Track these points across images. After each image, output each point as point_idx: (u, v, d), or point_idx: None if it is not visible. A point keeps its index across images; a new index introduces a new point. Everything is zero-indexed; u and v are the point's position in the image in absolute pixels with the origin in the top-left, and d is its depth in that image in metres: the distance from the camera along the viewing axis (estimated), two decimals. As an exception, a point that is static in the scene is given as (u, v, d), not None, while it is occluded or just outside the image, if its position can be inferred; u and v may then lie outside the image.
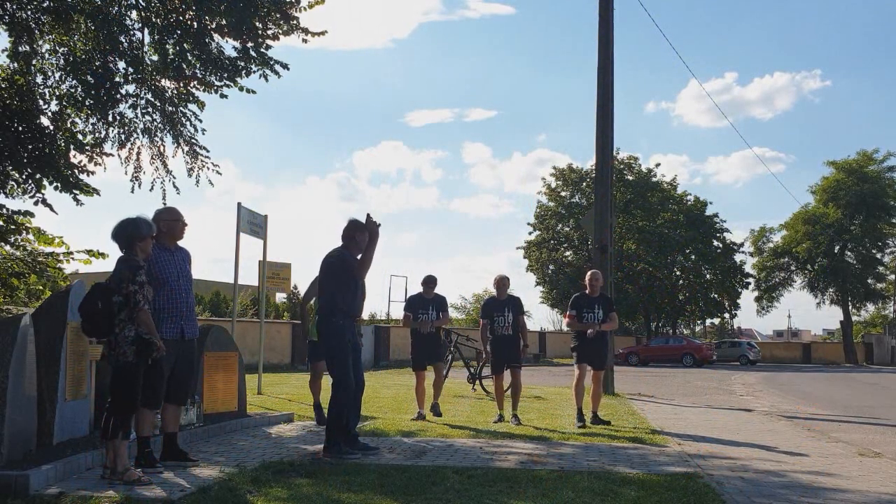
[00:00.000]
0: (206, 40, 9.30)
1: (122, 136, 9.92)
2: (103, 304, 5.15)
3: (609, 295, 9.55)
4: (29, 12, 8.95)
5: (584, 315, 9.03)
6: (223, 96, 9.75)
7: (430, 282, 9.47)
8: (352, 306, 6.48)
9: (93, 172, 9.67)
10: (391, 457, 6.29)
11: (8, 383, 5.24)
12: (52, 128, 9.24)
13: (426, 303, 9.38)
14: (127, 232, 5.27)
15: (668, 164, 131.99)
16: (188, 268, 6.02)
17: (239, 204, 12.18)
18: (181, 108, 9.99)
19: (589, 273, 9.31)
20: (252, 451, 6.51)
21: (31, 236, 9.65)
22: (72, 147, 9.38)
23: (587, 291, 9.16)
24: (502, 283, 9.20)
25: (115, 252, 5.65)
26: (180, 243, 6.07)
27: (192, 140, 10.16)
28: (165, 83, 9.76)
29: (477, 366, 14.65)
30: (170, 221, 5.90)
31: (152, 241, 5.45)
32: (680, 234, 48.59)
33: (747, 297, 55.90)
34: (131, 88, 9.64)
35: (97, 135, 9.72)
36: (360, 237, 6.50)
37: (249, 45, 9.36)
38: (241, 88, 9.75)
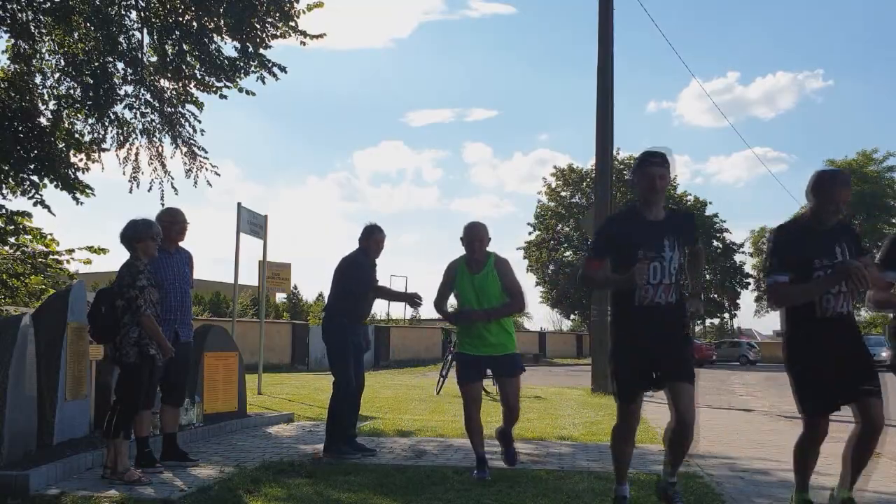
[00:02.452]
0: (206, 41, 9.31)
1: (121, 137, 9.94)
2: (107, 308, 5.26)
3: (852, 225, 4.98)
4: (30, 13, 8.96)
5: (815, 269, 4.07)
6: (223, 97, 9.78)
7: (654, 162, 4.15)
8: (363, 310, 6.51)
9: (87, 169, 9.69)
10: (391, 457, 6.30)
11: (8, 383, 5.24)
12: (50, 128, 9.25)
13: (656, 231, 4.14)
14: (127, 234, 5.33)
15: (670, 164, 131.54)
16: (187, 270, 6.01)
17: (239, 204, 12.19)
18: (180, 109, 10.00)
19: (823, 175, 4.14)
20: (252, 451, 6.52)
21: (28, 236, 9.66)
22: (71, 147, 9.40)
23: (807, 219, 4.22)
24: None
25: (117, 249, 5.70)
26: (182, 244, 6.08)
27: (191, 141, 10.17)
28: (164, 83, 9.77)
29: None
30: (165, 223, 5.89)
31: (154, 243, 5.44)
32: (680, 234, 48.55)
33: (747, 298, 55.98)
34: (130, 89, 9.66)
35: (95, 135, 9.74)
36: (380, 241, 6.51)
37: (248, 45, 9.37)
38: (240, 90, 9.76)
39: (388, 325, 33.36)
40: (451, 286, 5.54)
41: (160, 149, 10.24)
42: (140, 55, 9.45)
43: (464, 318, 5.40)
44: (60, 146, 9.19)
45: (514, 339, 5.49)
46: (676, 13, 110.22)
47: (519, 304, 5.51)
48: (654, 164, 4.19)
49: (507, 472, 5.59)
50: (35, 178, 9.15)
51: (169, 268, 5.84)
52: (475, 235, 5.46)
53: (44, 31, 9.14)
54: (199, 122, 10.17)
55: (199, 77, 9.64)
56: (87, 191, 9.52)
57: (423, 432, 7.90)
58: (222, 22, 9.13)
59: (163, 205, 10.15)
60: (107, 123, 9.72)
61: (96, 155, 9.76)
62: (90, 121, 9.64)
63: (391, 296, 7.53)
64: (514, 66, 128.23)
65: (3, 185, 9.13)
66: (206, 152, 10.31)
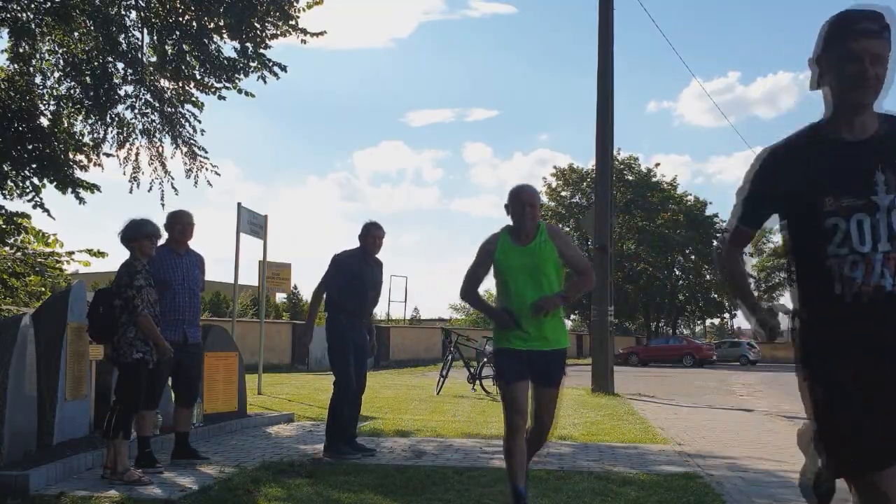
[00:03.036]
0: (206, 41, 9.31)
1: (121, 137, 9.95)
2: (105, 307, 5.26)
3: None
4: (30, 13, 8.96)
5: None
6: (221, 97, 9.76)
7: (867, 32, 2.22)
8: (356, 306, 6.47)
9: (86, 168, 9.70)
10: (391, 457, 6.29)
11: (8, 383, 5.24)
12: (50, 128, 9.26)
13: (860, 158, 2.32)
14: (125, 234, 5.35)
15: (671, 163, 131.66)
16: (197, 272, 6.04)
17: (239, 204, 12.18)
18: (180, 109, 10.00)
19: None
20: (252, 451, 6.52)
21: (30, 236, 9.67)
22: (70, 148, 9.40)
23: None
24: None
25: (116, 251, 5.73)
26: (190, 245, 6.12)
27: (191, 141, 10.18)
28: (164, 83, 9.78)
29: (477, 366, 14.65)
30: (168, 224, 5.93)
31: (152, 243, 5.43)
32: (680, 234, 48.63)
33: (748, 297, 55.99)
34: (130, 89, 9.67)
35: (95, 135, 9.74)
36: (376, 237, 6.46)
37: (248, 45, 9.37)
38: (239, 91, 9.76)
39: (388, 325, 33.36)
40: (486, 267, 4.25)
41: (160, 149, 10.26)
42: (140, 55, 9.45)
43: (540, 309, 3.96)
44: (61, 148, 9.18)
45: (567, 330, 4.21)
46: (676, 13, 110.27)
47: (590, 280, 4.35)
48: (865, 34, 2.21)
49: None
50: (35, 179, 9.15)
51: (177, 268, 5.87)
52: (527, 199, 4.12)
53: (44, 30, 9.13)
54: (199, 122, 10.17)
55: (199, 78, 9.64)
56: (92, 188, 9.51)
57: (423, 432, 7.90)
58: (222, 22, 9.13)
59: (163, 205, 10.21)
60: (107, 123, 9.73)
61: (97, 158, 9.77)
62: (90, 121, 9.65)
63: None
64: (514, 66, 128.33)
65: (3, 186, 9.13)
66: (206, 152, 10.32)
